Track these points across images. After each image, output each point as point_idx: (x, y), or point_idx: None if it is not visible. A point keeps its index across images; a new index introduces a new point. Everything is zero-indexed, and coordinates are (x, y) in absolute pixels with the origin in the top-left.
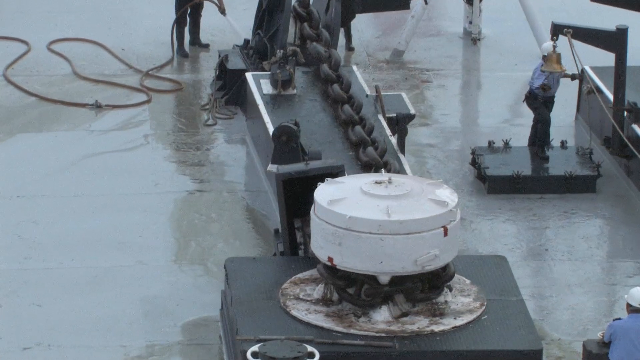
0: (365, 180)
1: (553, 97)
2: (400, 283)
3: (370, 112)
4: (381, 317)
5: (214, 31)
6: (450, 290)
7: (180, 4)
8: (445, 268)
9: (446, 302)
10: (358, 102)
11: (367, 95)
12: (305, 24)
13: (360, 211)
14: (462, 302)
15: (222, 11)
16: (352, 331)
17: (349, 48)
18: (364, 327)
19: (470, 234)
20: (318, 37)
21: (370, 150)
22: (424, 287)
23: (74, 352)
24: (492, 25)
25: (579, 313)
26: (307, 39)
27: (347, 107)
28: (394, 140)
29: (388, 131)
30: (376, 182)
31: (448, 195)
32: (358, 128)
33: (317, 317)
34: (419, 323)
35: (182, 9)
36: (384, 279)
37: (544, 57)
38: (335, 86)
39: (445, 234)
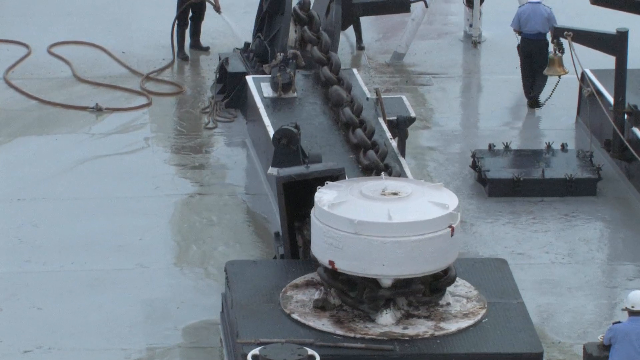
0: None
1: (540, 45)
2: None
3: (370, 115)
4: (384, 321)
5: (214, 34)
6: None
7: (181, 5)
8: (446, 271)
9: (448, 304)
10: (358, 104)
11: (367, 99)
12: (306, 27)
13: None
14: (462, 305)
15: (217, 9)
16: (352, 334)
17: (360, 47)
18: (365, 330)
19: (470, 236)
20: (318, 40)
21: (371, 154)
22: (426, 290)
23: (74, 355)
24: (492, 28)
25: (579, 316)
26: (308, 42)
27: (347, 109)
28: (394, 143)
29: (388, 134)
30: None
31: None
32: (359, 131)
33: (318, 320)
34: (420, 326)
35: (181, 8)
36: (386, 282)
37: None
38: (336, 87)
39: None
